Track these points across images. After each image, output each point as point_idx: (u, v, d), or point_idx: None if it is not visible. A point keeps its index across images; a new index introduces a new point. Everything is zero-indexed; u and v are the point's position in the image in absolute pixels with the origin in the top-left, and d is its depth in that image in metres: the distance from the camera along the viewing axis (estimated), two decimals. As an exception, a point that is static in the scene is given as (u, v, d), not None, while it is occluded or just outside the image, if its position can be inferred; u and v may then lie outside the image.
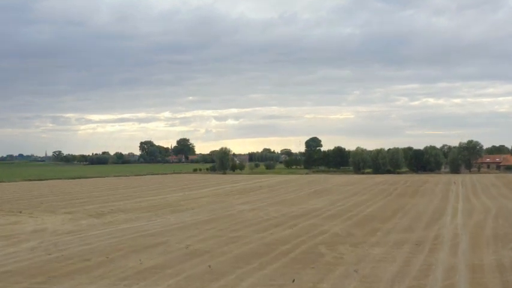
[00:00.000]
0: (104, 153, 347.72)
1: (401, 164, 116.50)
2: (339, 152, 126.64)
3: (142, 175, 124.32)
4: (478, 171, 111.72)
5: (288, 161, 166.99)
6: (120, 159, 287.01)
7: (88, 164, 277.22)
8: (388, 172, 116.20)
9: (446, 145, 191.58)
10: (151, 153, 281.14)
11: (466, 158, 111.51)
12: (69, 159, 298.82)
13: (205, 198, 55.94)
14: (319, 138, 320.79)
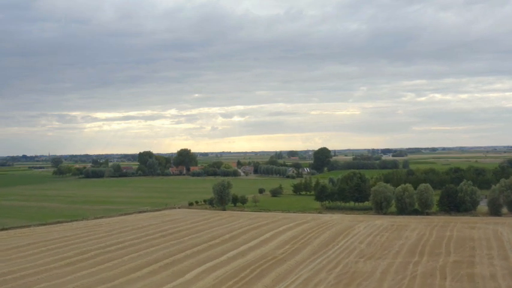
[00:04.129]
0: (102, 163, 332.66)
1: (432, 203, 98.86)
2: (357, 186, 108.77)
3: (128, 213, 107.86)
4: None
5: (297, 186, 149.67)
6: (117, 171, 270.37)
7: (83, 177, 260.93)
8: (416, 212, 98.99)
9: (473, 166, 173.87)
10: (150, 166, 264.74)
11: (508, 200, 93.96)
12: (64, 172, 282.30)
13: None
14: (329, 149, 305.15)
